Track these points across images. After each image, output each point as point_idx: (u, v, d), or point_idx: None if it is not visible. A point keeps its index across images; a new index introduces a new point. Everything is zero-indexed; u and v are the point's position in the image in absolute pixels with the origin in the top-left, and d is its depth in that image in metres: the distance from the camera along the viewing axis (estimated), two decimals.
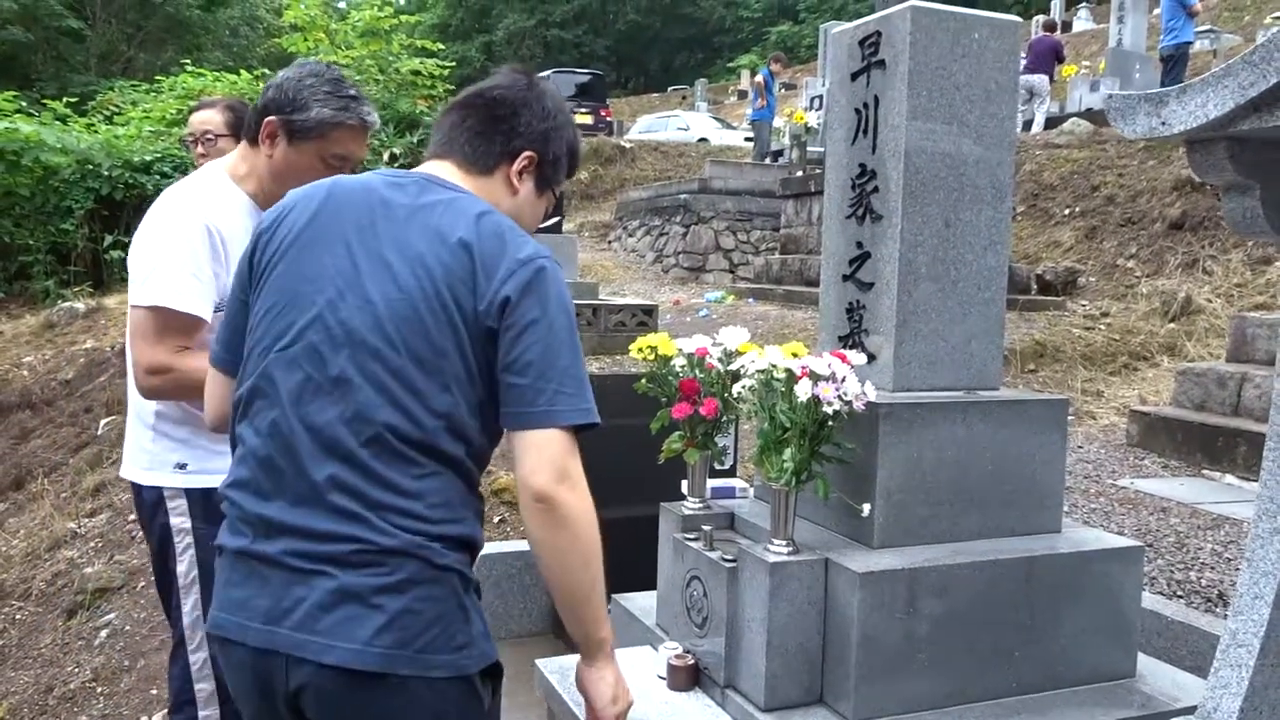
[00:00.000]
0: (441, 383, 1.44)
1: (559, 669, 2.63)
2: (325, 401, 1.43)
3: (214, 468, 2.14)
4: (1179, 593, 3.47)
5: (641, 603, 3.00)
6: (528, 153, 1.65)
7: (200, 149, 3.07)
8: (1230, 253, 8.69)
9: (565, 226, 10.17)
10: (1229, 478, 5.08)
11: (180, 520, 2.17)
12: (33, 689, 3.45)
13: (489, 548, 3.70)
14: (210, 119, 3.13)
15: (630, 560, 3.29)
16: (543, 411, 1.46)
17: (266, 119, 2.15)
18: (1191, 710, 2.12)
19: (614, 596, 3.12)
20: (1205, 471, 5.21)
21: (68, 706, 3.17)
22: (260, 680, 1.45)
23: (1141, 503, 4.50)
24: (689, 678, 2.50)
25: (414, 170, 1.62)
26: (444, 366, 1.44)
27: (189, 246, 2.07)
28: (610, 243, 15.68)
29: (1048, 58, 14.40)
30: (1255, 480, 4.89)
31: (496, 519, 4.17)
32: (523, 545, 3.76)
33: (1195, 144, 1.96)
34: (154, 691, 3.22)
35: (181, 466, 2.18)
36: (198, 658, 2.19)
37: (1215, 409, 5.53)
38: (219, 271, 2.09)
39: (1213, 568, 3.66)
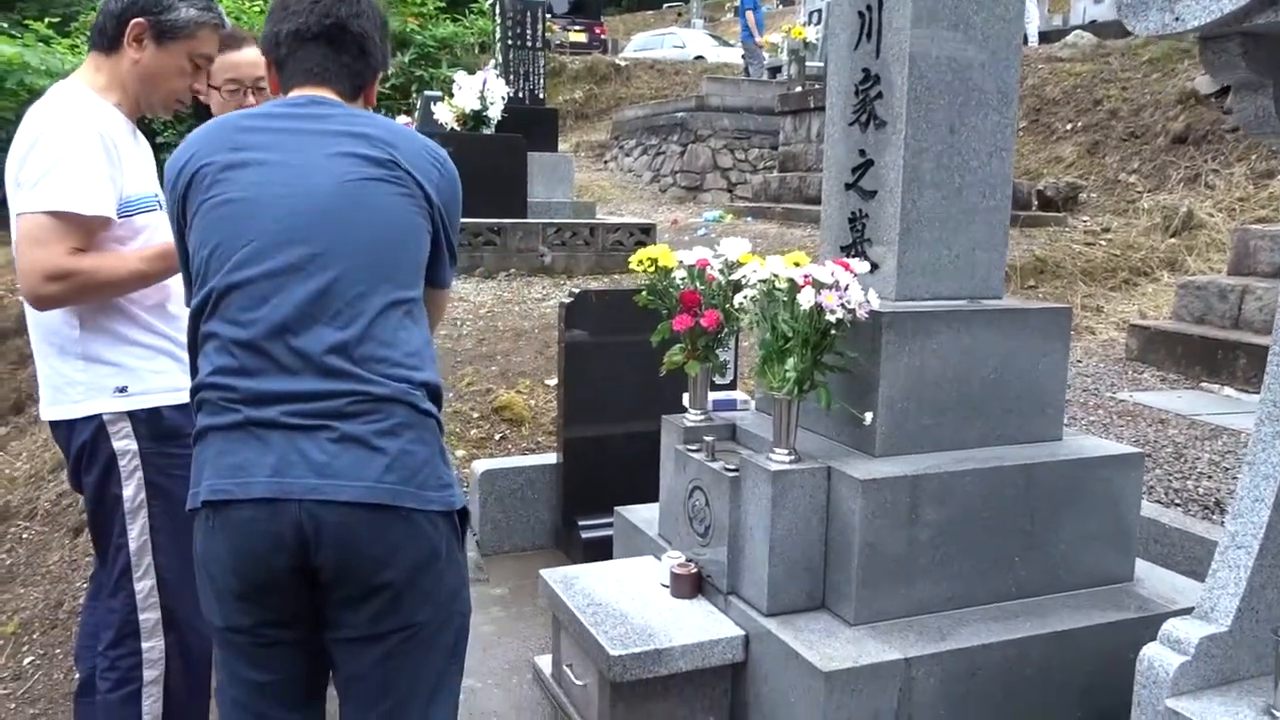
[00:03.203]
0: (401, 242, 1.63)
1: (563, 579, 2.66)
2: (301, 278, 1.55)
3: (156, 386, 2.11)
4: (1176, 501, 3.50)
5: (644, 514, 3.03)
6: (380, 74, 1.85)
7: (251, 99, 2.71)
8: (1233, 166, 8.60)
9: (561, 147, 10.03)
10: (1228, 390, 5.10)
11: (126, 444, 2.09)
12: (42, 604, 3.50)
13: (492, 463, 3.72)
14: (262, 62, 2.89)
15: (632, 474, 3.33)
16: (451, 274, 1.83)
17: (133, 20, 2.09)
18: (1189, 611, 2.15)
19: (616, 509, 3.15)
20: (1204, 384, 5.23)
21: (77, 620, 3.21)
22: (268, 533, 1.51)
23: (1140, 415, 4.52)
24: (692, 585, 2.54)
25: (300, 95, 1.73)
26: (401, 233, 1.63)
27: (87, 151, 1.99)
28: (606, 163, 15.48)
29: None
30: (1254, 392, 4.92)
31: (498, 436, 4.19)
32: (525, 460, 3.78)
33: (1208, 40, 1.91)
34: None
35: (122, 390, 2.09)
36: (144, 585, 2.13)
37: (1215, 322, 5.52)
38: (115, 176, 2.03)
39: (1210, 477, 3.69)
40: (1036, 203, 9.11)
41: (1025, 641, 2.28)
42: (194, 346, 1.64)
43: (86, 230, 1.99)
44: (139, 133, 2.22)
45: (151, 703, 2.16)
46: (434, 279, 1.76)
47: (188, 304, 1.73)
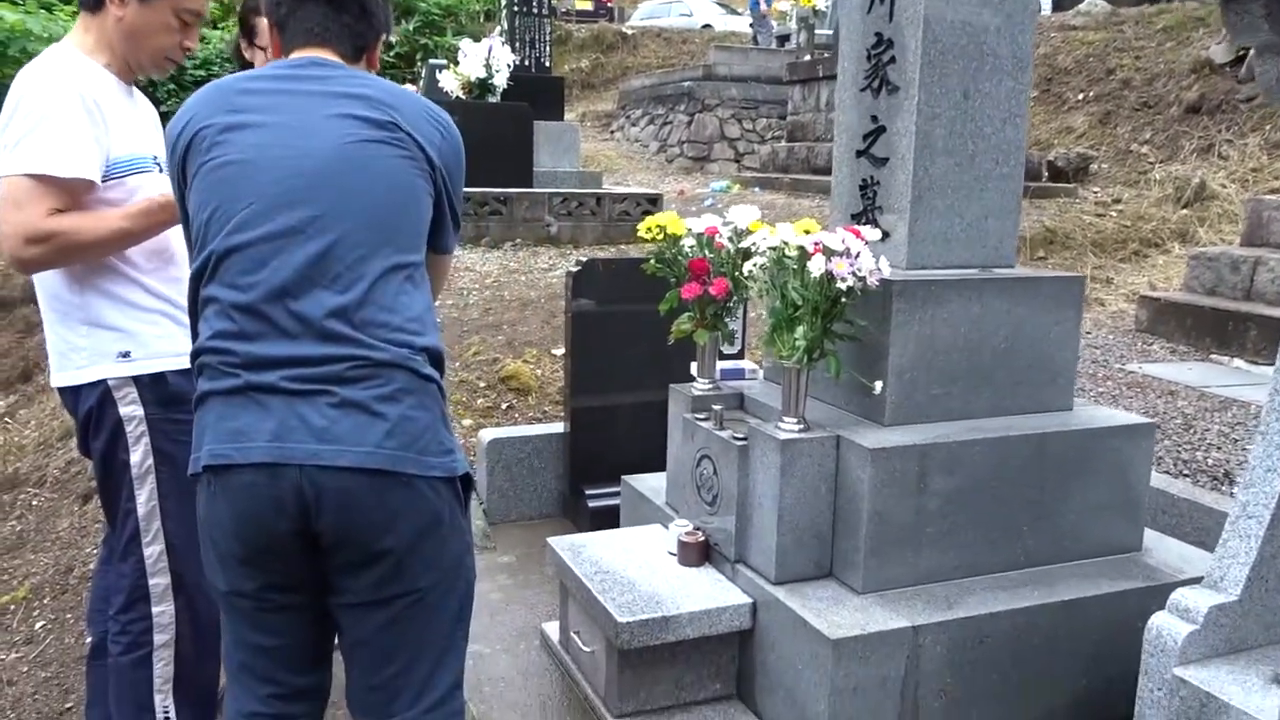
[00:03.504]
0: (403, 205, 1.61)
1: (570, 546, 2.66)
2: (301, 241, 1.53)
3: (159, 350, 2.10)
4: (1185, 472, 3.49)
5: (651, 483, 3.03)
6: (383, 36, 1.82)
7: None
8: (1247, 136, 8.51)
9: (566, 116, 9.96)
10: (1238, 361, 5.07)
11: (132, 409, 2.08)
12: (53, 569, 3.53)
13: (499, 432, 3.72)
14: None
15: (639, 443, 3.33)
16: (454, 240, 1.82)
17: None
18: (1197, 580, 2.15)
19: (624, 478, 3.15)
20: (1214, 356, 5.20)
21: (87, 585, 3.24)
22: (269, 497, 1.50)
23: (1149, 386, 4.50)
24: (699, 554, 2.54)
25: (301, 56, 1.71)
26: (402, 196, 1.61)
27: (65, 113, 1.95)
28: (613, 132, 15.39)
29: None
30: (1265, 364, 4.90)
31: (505, 405, 4.18)
32: (532, 430, 3.78)
33: (1230, 2, 1.88)
34: None
35: (125, 355, 2.07)
36: (153, 550, 2.13)
37: (1227, 293, 5.49)
38: (99, 137, 2.00)
39: (1219, 448, 3.67)
40: (1047, 173, 9.04)
41: (1033, 610, 2.28)
42: (194, 310, 1.63)
43: (67, 192, 1.96)
44: (136, 93, 2.19)
45: (163, 666, 2.18)
46: (436, 244, 1.74)
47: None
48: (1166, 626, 2.02)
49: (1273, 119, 8.41)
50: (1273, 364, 4.86)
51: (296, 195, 1.54)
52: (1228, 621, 2.02)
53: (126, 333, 2.08)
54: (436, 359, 1.62)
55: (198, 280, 1.60)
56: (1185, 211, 7.82)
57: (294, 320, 1.51)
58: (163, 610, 2.16)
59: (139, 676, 2.17)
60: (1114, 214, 8.05)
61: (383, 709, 1.65)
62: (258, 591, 1.59)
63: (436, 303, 1.84)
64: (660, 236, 2.72)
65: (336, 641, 1.71)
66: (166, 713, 2.20)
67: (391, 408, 1.52)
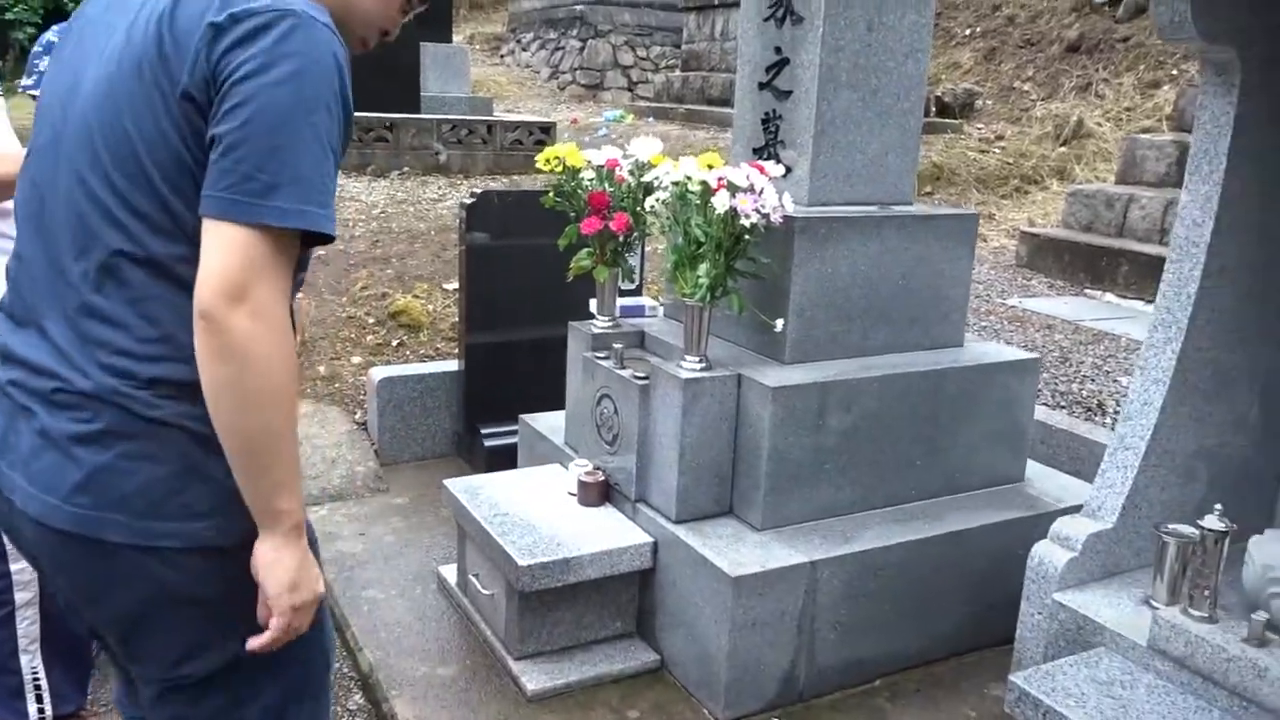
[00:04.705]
0: (146, 179, 1.14)
1: (467, 488, 2.60)
2: (42, 220, 1.22)
3: None
4: (1062, 404, 3.64)
5: (549, 422, 2.98)
6: None
7: None
8: (1122, 76, 8.81)
9: (455, 38, 9.58)
10: (1109, 296, 5.30)
11: None
12: None
13: (390, 370, 3.60)
14: None
15: (536, 381, 3.27)
16: (231, 200, 1.08)
17: None
18: (1076, 509, 2.24)
19: (521, 417, 3.09)
20: (1088, 290, 5.43)
21: None
22: None
23: (1029, 320, 4.67)
24: (600, 494, 2.52)
25: None
26: (155, 159, 1.14)
27: None
28: (503, 57, 14.93)
29: None
30: (1134, 298, 5.14)
31: (395, 342, 4.05)
32: (424, 368, 3.67)
33: None
34: None
35: None
36: None
37: (1102, 230, 5.71)
38: None
39: (1093, 380, 3.84)
40: (935, 109, 9.19)
41: (923, 542, 2.35)
42: None
43: None
44: None
45: (27, 625, 2.04)
46: (208, 206, 1.10)
47: None
48: (1048, 554, 2.10)
49: (1146, 59, 8.72)
50: (1141, 298, 5.06)
51: (46, 159, 1.23)
52: (1103, 548, 2.11)
53: None
54: (185, 391, 1.14)
55: None
56: (1064, 149, 8.08)
57: (32, 313, 1.22)
58: (23, 567, 2.01)
59: (1, 636, 2.03)
60: (997, 150, 8.26)
61: None
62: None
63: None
64: (559, 169, 2.63)
65: None
66: (35, 673, 2.07)
67: (90, 454, 1.15)
